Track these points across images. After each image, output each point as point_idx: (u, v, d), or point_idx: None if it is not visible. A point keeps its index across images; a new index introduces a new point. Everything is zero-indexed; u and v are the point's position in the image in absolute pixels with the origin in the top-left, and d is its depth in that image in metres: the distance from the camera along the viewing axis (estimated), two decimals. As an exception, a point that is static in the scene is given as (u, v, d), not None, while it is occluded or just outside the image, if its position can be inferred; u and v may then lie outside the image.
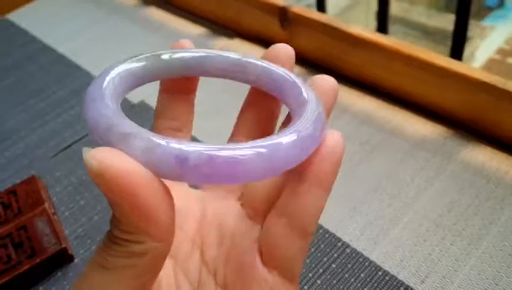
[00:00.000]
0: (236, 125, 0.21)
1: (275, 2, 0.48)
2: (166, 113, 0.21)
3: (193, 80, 0.21)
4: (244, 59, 0.19)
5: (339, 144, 0.16)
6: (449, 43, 0.49)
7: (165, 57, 0.19)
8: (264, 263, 0.17)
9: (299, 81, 0.18)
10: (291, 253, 0.17)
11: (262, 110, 0.21)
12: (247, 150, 0.13)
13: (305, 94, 0.17)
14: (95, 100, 0.14)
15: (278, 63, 0.19)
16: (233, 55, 0.19)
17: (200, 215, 0.20)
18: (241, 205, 0.20)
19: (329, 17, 0.44)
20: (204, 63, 0.19)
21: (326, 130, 0.16)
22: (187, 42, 0.20)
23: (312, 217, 0.16)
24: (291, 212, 0.16)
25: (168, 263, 0.19)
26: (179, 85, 0.20)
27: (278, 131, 0.20)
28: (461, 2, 0.46)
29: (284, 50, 0.20)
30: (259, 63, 0.19)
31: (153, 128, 0.21)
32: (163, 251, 0.14)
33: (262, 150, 0.13)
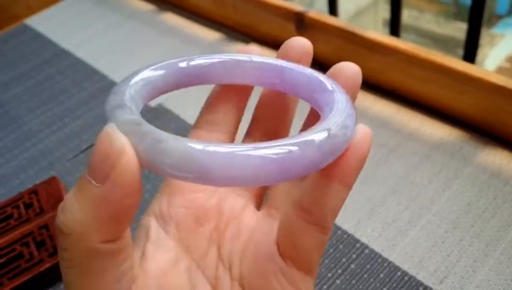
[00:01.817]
0: (252, 125, 0.21)
1: (292, 8, 0.48)
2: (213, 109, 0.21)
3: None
4: (267, 62, 0.19)
5: (366, 140, 0.15)
6: (458, 50, 0.49)
7: (183, 64, 0.19)
8: (282, 255, 0.17)
9: (323, 77, 0.18)
10: (310, 246, 0.17)
11: (277, 110, 0.21)
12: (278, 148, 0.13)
13: (334, 92, 0.17)
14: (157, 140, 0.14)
15: (291, 57, 0.19)
16: (254, 58, 0.19)
17: (216, 212, 0.20)
18: (263, 204, 0.20)
19: (346, 22, 0.45)
20: (216, 70, 0.19)
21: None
22: (255, 50, 0.20)
23: (331, 212, 0.16)
24: (310, 206, 0.16)
25: (185, 260, 0.19)
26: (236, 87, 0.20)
27: (302, 130, 0.20)
28: (474, 10, 0.47)
29: (299, 44, 0.19)
30: (285, 65, 0.19)
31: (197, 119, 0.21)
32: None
33: (295, 148, 0.13)
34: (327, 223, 0.16)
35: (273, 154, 0.13)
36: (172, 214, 0.20)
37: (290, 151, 0.13)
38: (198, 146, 0.13)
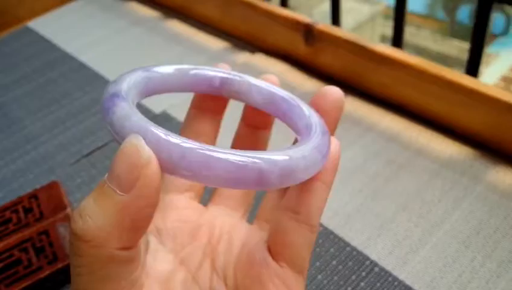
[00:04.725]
0: (234, 143, 0.23)
1: (301, 19, 0.48)
2: (192, 128, 0.22)
3: (224, 101, 0.22)
4: (247, 81, 0.20)
5: (337, 148, 0.17)
6: (454, 68, 0.49)
7: (193, 72, 0.20)
8: (275, 258, 0.18)
9: (301, 103, 0.19)
10: (301, 244, 0.18)
11: (256, 130, 0.23)
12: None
13: (308, 115, 0.18)
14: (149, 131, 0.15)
15: (323, 106, 0.19)
16: (237, 77, 0.21)
17: (210, 228, 0.22)
18: (254, 220, 0.22)
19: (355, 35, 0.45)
20: (251, 91, 0.20)
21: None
22: (225, 66, 0.21)
23: (317, 210, 0.18)
24: (298, 206, 0.17)
25: (180, 272, 0.20)
26: (210, 104, 0.22)
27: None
28: (477, 28, 0.46)
29: (333, 96, 0.19)
30: (264, 86, 0.20)
31: None
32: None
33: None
34: (314, 221, 0.18)
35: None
36: (169, 228, 0.21)
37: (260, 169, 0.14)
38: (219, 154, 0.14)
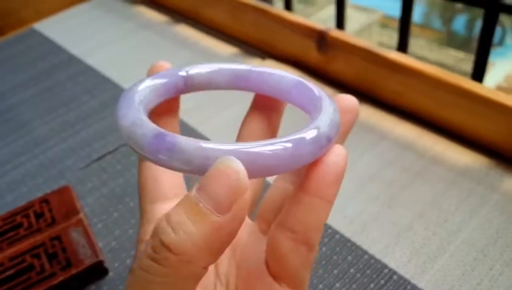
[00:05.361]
0: (241, 131, 0.22)
1: (313, 26, 0.48)
2: None
3: (174, 101, 0.22)
4: (257, 70, 0.20)
5: (341, 156, 0.16)
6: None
7: (182, 73, 0.20)
8: (272, 274, 0.18)
9: (315, 88, 0.18)
10: (297, 265, 0.17)
11: (266, 118, 0.22)
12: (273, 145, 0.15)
13: (323, 101, 0.18)
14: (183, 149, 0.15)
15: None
16: (243, 66, 0.20)
17: None
18: (255, 219, 0.21)
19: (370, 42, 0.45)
20: (212, 77, 0.20)
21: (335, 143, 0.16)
22: (165, 64, 0.21)
23: (315, 228, 0.16)
24: (294, 224, 0.16)
25: None
26: (163, 105, 0.21)
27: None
28: (483, 37, 0.46)
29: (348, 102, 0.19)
30: (276, 72, 0.20)
31: None
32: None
33: (288, 144, 0.15)
34: (312, 240, 0.17)
35: (269, 150, 0.14)
36: None
37: (285, 148, 0.15)
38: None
